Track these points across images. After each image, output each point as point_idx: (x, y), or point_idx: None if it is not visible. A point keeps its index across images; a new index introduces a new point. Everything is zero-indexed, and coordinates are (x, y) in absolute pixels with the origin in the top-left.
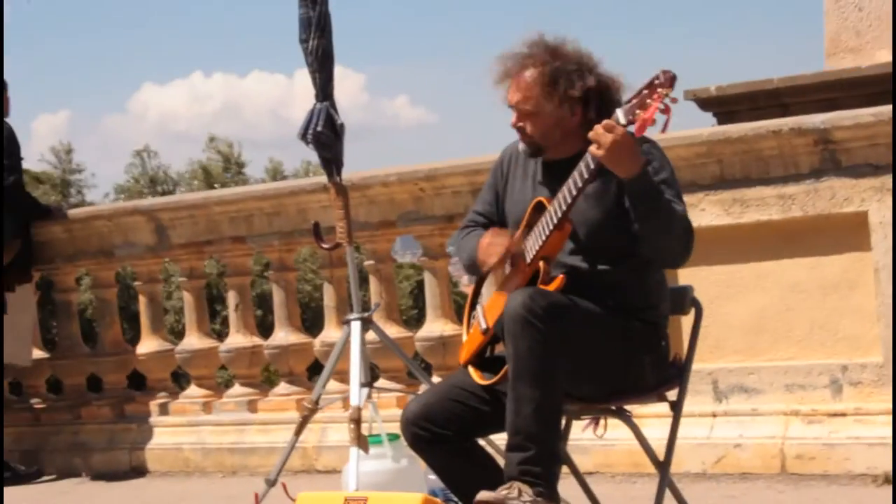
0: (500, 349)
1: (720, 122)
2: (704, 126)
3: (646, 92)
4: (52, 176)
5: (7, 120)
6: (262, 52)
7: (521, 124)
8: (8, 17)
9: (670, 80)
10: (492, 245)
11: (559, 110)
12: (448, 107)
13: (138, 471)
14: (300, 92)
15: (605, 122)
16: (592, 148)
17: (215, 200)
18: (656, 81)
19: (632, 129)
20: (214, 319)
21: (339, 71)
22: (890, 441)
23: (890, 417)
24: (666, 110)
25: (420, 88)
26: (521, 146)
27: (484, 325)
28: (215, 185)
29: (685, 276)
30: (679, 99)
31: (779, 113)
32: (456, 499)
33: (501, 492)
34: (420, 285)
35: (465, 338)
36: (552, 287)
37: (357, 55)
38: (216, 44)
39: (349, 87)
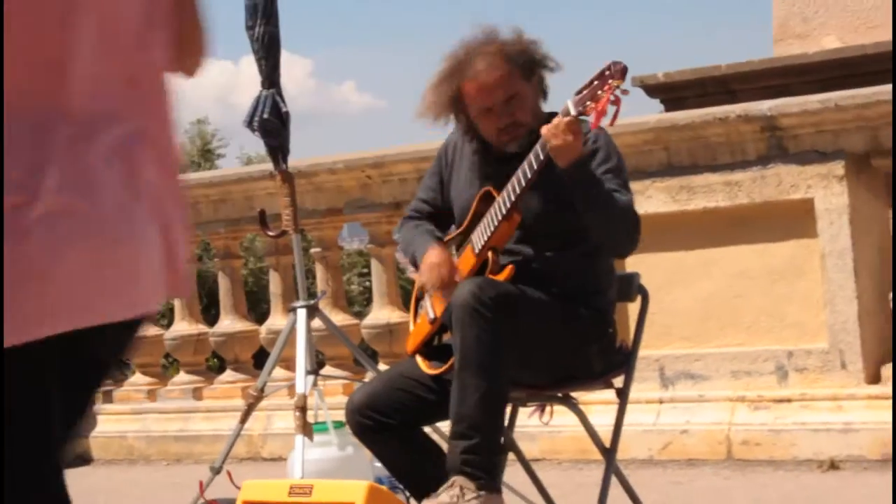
0: (447, 338)
1: (668, 109)
2: (652, 113)
3: (597, 83)
4: None
5: None
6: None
7: (512, 118)
8: None
9: (621, 72)
10: (435, 269)
11: (531, 87)
12: (395, 92)
13: (83, 458)
14: (246, 79)
15: (566, 119)
16: (548, 139)
17: None
18: (607, 73)
19: (586, 119)
20: None
21: (285, 57)
22: (835, 427)
23: (835, 403)
24: (616, 102)
25: (367, 74)
26: (513, 145)
27: (432, 315)
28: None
29: (632, 263)
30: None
31: (727, 100)
32: (401, 486)
33: (444, 495)
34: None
35: (412, 327)
36: (501, 277)
37: (304, 40)
38: None
39: (296, 73)
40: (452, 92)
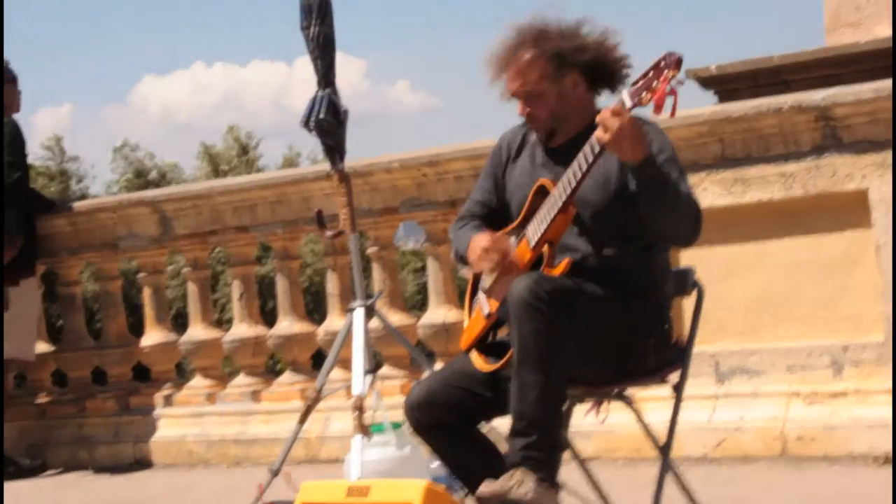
0: (502, 334)
1: (721, 101)
2: (705, 105)
3: (652, 74)
4: (49, 168)
5: (13, 116)
6: (263, 41)
7: (528, 110)
8: (8, 9)
9: (676, 63)
10: (485, 252)
11: (561, 85)
12: (450, 90)
13: (142, 463)
14: (300, 80)
15: (612, 106)
16: (598, 132)
17: (219, 190)
18: (662, 63)
19: (640, 110)
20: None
21: (339, 58)
22: (890, 421)
23: (891, 397)
24: (672, 92)
25: (421, 73)
26: (535, 135)
27: (487, 310)
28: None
29: (687, 257)
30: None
31: (780, 90)
32: (459, 485)
33: (503, 482)
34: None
35: (466, 323)
36: (557, 271)
37: (357, 41)
38: (217, 33)
39: (350, 75)
40: (496, 69)
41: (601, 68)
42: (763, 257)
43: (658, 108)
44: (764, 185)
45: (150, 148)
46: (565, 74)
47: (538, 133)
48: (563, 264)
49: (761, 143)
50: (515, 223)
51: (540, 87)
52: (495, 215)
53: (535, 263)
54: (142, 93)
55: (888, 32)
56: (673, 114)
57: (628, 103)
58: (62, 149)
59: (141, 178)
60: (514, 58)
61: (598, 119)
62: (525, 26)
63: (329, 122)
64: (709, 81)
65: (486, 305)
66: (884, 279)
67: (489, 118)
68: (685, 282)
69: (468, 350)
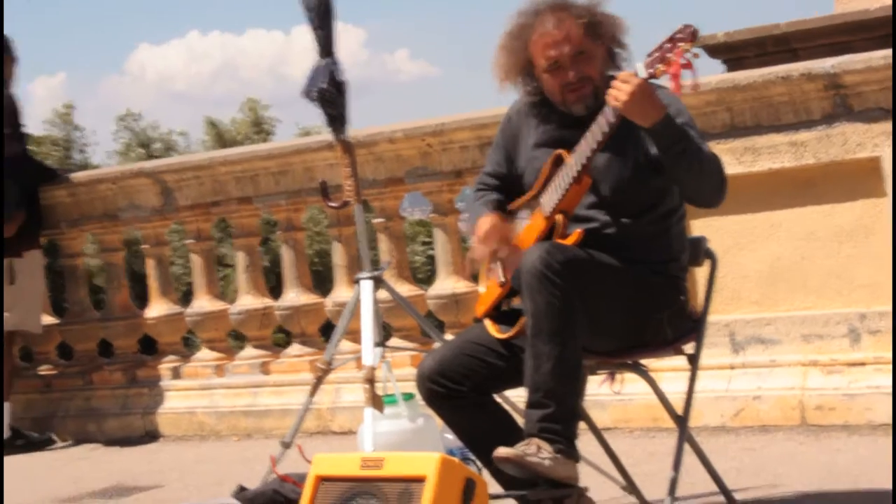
0: (516, 302)
1: (729, 69)
2: (713, 74)
3: (668, 45)
4: (54, 137)
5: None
6: (259, 9)
7: (580, 73)
8: None
9: (692, 35)
10: (483, 241)
11: (600, 49)
12: (449, 59)
13: (152, 435)
14: (298, 49)
15: (621, 74)
16: (611, 100)
17: (220, 161)
18: (678, 35)
19: (657, 84)
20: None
21: (338, 27)
22: None
23: None
24: (688, 65)
25: (420, 42)
26: (580, 106)
27: (501, 278)
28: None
29: (698, 226)
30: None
31: (788, 58)
32: (473, 456)
33: (520, 447)
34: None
35: (482, 290)
36: (569, 241)
37: (356, 10)
38: (213, 1)
39: (349, 43)
40: (521, 49)
41: (616, 44)
42: (775, 226)
43: (676, 83)
44: (774, 154)
45: (150, 117)
46: (600, 37)
47: (583, 99)
48: (575, 234)
49: (771, 111)
50: (531, 193)
51: (590, 46)
52: (510, 185)
53: (549, 234)
54: (137, 61)
55: None
56: (695, 89)
57: (643, 73)
58: (71, 118)
59: (146, 148)
60: (551, 25)
61: (611, 86)
62: (542, 2)
63: (331, 92)
64: (716, 49)
65: (500, 273)
66: None
67: (489, 87)
68: (698, 251)
69: (482, 318)
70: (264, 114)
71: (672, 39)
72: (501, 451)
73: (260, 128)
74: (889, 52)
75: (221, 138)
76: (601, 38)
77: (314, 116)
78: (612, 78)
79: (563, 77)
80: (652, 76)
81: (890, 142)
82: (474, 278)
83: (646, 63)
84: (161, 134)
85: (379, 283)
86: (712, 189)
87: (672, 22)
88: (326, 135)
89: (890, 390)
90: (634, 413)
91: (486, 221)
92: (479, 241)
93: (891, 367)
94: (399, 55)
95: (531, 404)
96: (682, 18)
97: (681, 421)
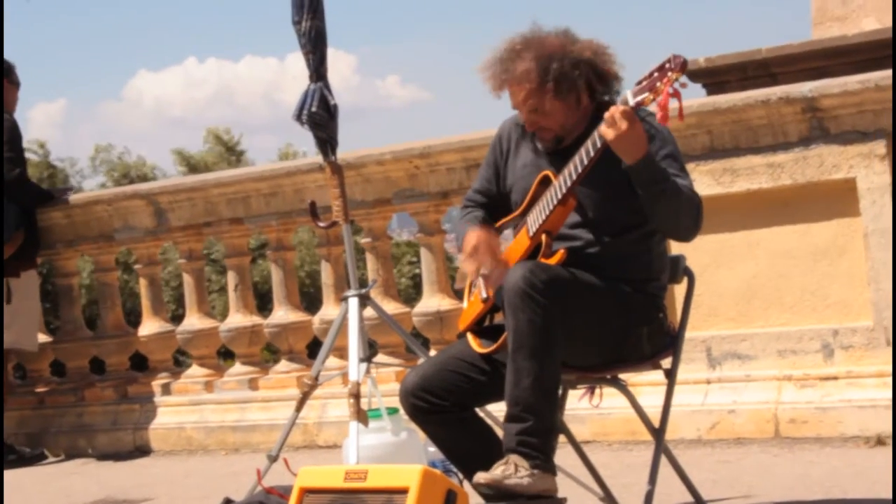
0: (499, 318)
1: (710, 94)
2: (694, 97)
3: (656, 75)
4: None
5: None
6: (255, 37)
7: (536, 125)
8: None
9: (681, 66)
10: (472, 254)
11: (565, 100)
12: (440, 84)
13: (142, 450)
14: (292, 75)
15: (622, 108)
16: (603, 127)
17: (213, 183)
18: (667, 65)
19: (645, 110)
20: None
21: (330, 53)
22: (882, 403)
23: (881, 380)
24: (676, 94)
25: (411, 67)
26: (545, 144)
27: (484, 294)
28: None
29: (677, 245)
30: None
31: (768, 83)
32: (455, 469)
33: (498, 469)
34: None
35: (465, 305)
36: (553, 261)
37: (348, 36)
38: (210, 29)
39: (341, 69)
40: (497, 83)
41: (601, 80)
42: (752, 245)
43: (663, 115)
44: (752, 175)
45: (141, 143)
46: (570, 91)
47: (545, 143)
48: (558, 254)
49: (749, 134)
50: (517, 212)
51: (551, 105)
52: (497, 204)
53: (534, 253)
54: (135, 88)
55: (874, 26)
56: (681, 117)
57: (631, 101)
58: (46, 151)
59: (127, 177)
60: (520, 77)
61: (606, 115)
62: (525, 42)
63: (321, 115)
64: (697, 74)
65: (483, 289)
66: (871, 266)
67: (479, 110)
68: (676, 269)
69: (465, 332)
70: (226, 137)
71: (661, 69)
72: (480, 477)
73: (231, 151)
74: (865, 76)
75: (195, 169)
76: (568, 91)
77: (306, 140)
78: (606, 102)
79: (527, 118)
80: (640, 104)
81: (866, 163)
82: (458, 295)
83: (634, 91)
84: (136, 162)
85: (365, 300)
86: (686, 227)
87: (656, 48)
88: (315, 157)
89: (862, 404)
90: (613, 427)
91: (474, 236)
92: (467, 255)
93: (866, 381)
94: (390, 80)
95: (510, 418)
96: (666, 45)
97: (658, 434)
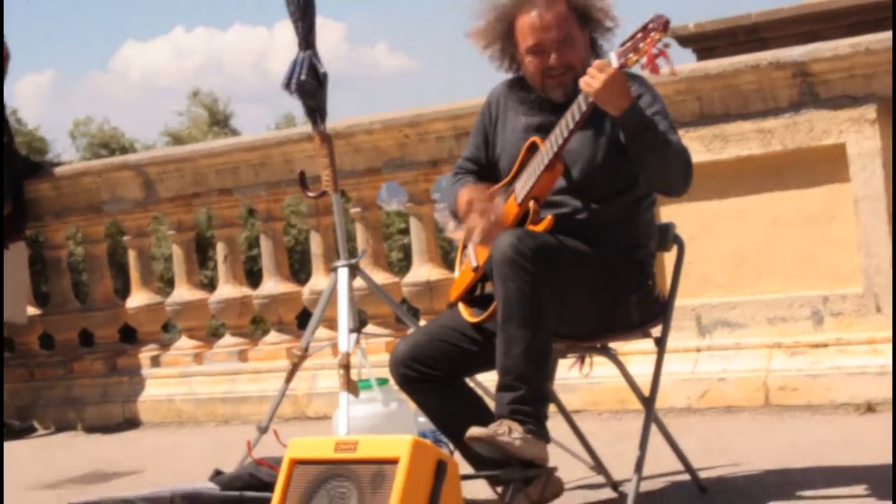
0: (490, 288)
1: (699, 59)
2: (685, 63)
3: (640, 35)
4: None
5: None
6: (243, 5)
7: (563, 60)
8: None
9: (663, 25)
10: (472, 204)
11: (585, 36)
12: (429, 53)
13: (132, 422)
14: (281, 45)
15: (596, 62)
16: (584, 86)
17: (202, 153)
18: (650, 26)
19: (633, 73)
20: (206, 265)
21: (318, 21)
22: (872, 370)
23: (871, 347)
24: (661, 53)
25: (399, 35)
26: (559, 93)
27: (474, 263)
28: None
29: (667, 213)
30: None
31: (758, 48)
32: (445, 439)
33: (492, 428)
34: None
35: (456, 274)
36: (540, 228)
37: (336, 4)
38: None
39: (329, 37)
40: (505, 24)
41: (602, 31)
42: (742, 212)
43: (653, 68)
44: (742, 141)
45: (127, 114)
46: (583, 29)
47: (566, 87)
48: (546, 221)
49: (739, 99)
50: (506, 179)
51: (577, 33)
52: (487, 171)
53: (522, 220)
54: (123, 59)
55: None
56: (674, 74)
57: (615, 63)
58: (18, 120)
59: (106, 147)
60: (542, 6)
61: (588, 70)
62: None
63: (310, 84)
64: (687, 39)
65: (473, 259)
66: (860, 232)
67: (467, 79)
68: (666, 236)
69: (455, 302)
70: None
71: (644, 29)
72: (474, 431)
73: (215, 119)
74: (856, 39)
75: (182, 142)
76: (588, 26)
77: (295, 109)
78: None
79: (545, 61)
80: (624, 65)
81: (856, 128)
82: (448, 264)
83: (618, 52)
84: (113, 132)
85: (355, 270)
86: (677, 178)
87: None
88: (305, 126)
89: (852, 371)
90: (603, 396)
91: (466, 192)
92: (462, 212)
93: (856, 347)
94: (378, 49)
95: (502, 387)
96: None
97: (648, 403)
